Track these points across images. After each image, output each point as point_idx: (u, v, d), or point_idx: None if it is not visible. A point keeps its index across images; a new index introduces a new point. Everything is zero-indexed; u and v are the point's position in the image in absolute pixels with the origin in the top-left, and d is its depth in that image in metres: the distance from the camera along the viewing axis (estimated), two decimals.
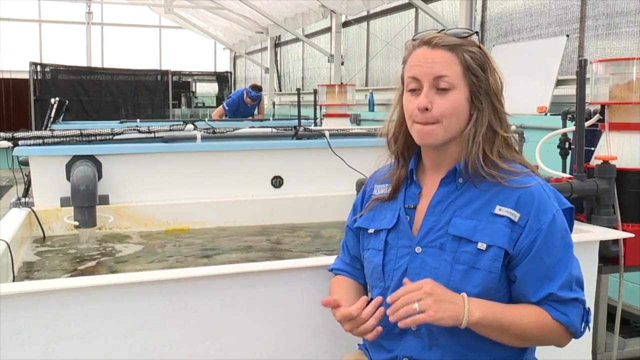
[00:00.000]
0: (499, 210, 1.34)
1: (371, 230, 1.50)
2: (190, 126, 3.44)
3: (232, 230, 3.08)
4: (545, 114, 4.89)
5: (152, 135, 3.26)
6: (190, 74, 13.54)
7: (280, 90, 13.75)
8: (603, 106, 2.58)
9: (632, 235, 2.27)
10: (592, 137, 2.65)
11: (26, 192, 3.06)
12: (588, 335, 2.14)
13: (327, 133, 3.45)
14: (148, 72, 12.78)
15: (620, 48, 5.04)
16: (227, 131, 3.50)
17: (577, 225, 2.32)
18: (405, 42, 1.46)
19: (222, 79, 13.69)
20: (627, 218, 2.40)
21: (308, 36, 11.55)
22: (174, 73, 12.85)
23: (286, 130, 3.64)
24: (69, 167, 2.92)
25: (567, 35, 5.42)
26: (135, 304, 1.65)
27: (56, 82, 11.59)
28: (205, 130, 3.38)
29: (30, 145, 2.97)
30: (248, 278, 1.76)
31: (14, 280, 2.15)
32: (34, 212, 2.85)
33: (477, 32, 1.42)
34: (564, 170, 2.99)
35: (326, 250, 2.77)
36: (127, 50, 16.33)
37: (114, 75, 12.25)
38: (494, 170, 1.37)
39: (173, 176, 3.15)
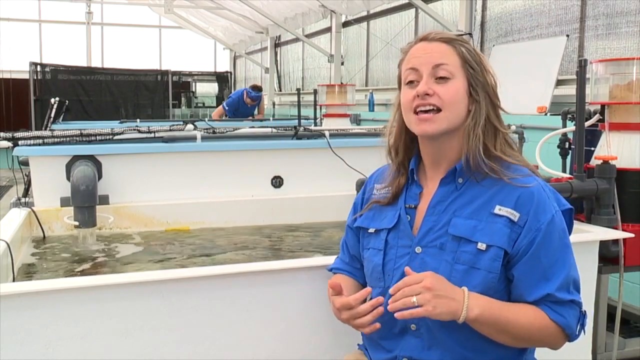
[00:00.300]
0: (499, 210, 1.34)
1: (371, 230, 1.50)
2: (190, 126, 3.43)
3: (232, 230, 3.08)
4: (545, 114, 4.90)
5: (152, 135, 3.26)
6: (190, 74, 13.55)
7: (280, 90, 13.75)
8: (603, 106, 2.58)
9: (632, 235, 2.27)
10: (592, 137, 2.65)
11: (26, 192, 3.06)
12: (588, 335, 2.14)
13: (327, 133, 3.45)
14: (148, 72, 12.78)
15: (620, 48, 5.05)
16: (227, 131, 3.50)
17: (577, 225, 2.32)
18: (402, 47, 1.47)
19: (222, 79, 13.70)
20: (627, 218, 2.40)
21: (308, 36, 11.56)
22: (174, 73, 12.86)
23: (286, 130, 3.64)
24: (69, 167, 2.92)
25: (567, 35, 5.43)
26: (135, 304, 1.65)
27: (56, 82, 11.59)
28: (205, 130, 3.38)
29: (30, 145, 2.97)
30: (248, 278, 1.76)
31: (14, 280, 2.15)
32: (34, 212, 2.84)
33: (470, 34, 1.44)
34: (564, 170, 2.99)
35: (325, 251, 2.77)
36: (127, 50, 16.34)
37: (114, 75, 12.26)
38: (496, 166, 1.37)
39: (173, 176, 3.15)
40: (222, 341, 1.72)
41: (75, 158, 2.94)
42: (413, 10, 8.24)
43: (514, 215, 1.33)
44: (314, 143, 3.43)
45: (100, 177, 2.97)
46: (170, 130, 3.33)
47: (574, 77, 2.66)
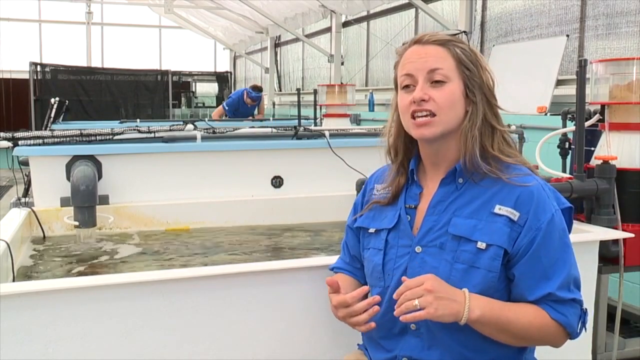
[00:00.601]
0: (499, 209, 1.34)
1: (372, 230, 1.50)
2: (190, 126, 3.43)
3: (232, 230, 3.08)
4: (545, 114, 4.89)
5: (152, 135, 3.26)
6: (190, 74, 13.55)
7: (280, 90, 13.75)
8: (603, 106, 2.58)
9: (632, 235, 2.26)
10: (592, 137, 2.65)
11: (26, 192, 3.06)
12: (588, 335, 2.14)
13: (327, 133, 3.45)
14: (148, 72, 12.78)
15: (620, 48, 5.05)
16: (227, 131, 3.49)
17: (577, 225, 2.32)
18: (396, 49, 1.47)
19: (222, 79, 13.70)
20: (627, 218, 2.40)
21: (308, 36, 11.56)
22: (174, 73, 12.86)
23: (286, 130, 3.64)
24: (69, 167, 2.92)
25: (567, 35, 5.43)
26: (135, 304, 1.65)
27: (56, 82, 11.59)
28: (205, 130, 3.38)
29: (30, 145, 2.97)
30: (248, 278, 1.76)
31: (14, 280, 2.15)
32: (34, 212, 2.84)
33: (465, 32, 1.44)
34: (564, 170, 2.99)
35: (326, 250, 2.77)
36: (127, 50, 16.34)
37: (114, 75, 12.26)
38: (495, 165, 1.37)
39: (173, 176, 3.15)
40: (222, 341, 1.72)
41: (75, 158, 2.94)
42: (413, 10, 8.24)
43: (514, 215, 1.33)
44: (314, 143, 3.43)
45: (100, 177, 2.97)
46: (170, 130, 3.33)
47: (574, 77, 2.66)
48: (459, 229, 1.36)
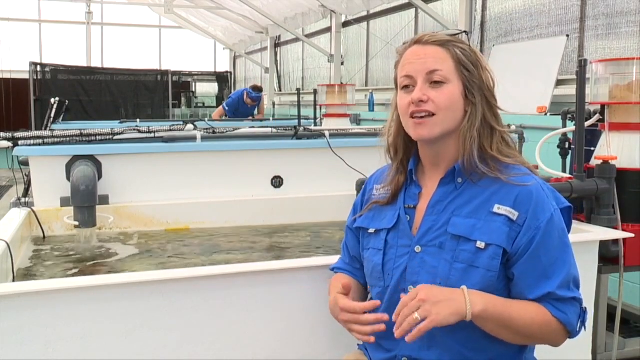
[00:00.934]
0: (498, 209, 1.35)
1: (371, 230, 1.50)
2: (190, 126, 3.43)
3: (232, 230, 3.08)
4: (545, 114, 4.89)
5: (152, 135, 3.26)
6: (190, 74, 13.55)
7: (280, 90, 13.75)
8: (603, 106, 2.58)
9: (632, 235, 2.27)
10: (592, 137, 2.65)
11: (26, 192, 3.06)
12: (588, 335, 2.14)
13: (327, 133, 3.45)
14: (148, 72, 12.78)
15: (620, 48, 5.05)
16: (227, 131, 3.50)
17: (577, 225, 2.32)
18: (397, 48, 1.47)
19: (222, 79, 13.70)
20: (627, 218, 2.40)
21: (308, 36, 11.56)
22: (174, 73, 12.86)
23: (286, 130, 3.64)
24: (69, 167, 2.92)
25: (567, 35, 5.43)
26: (135, 304, 1.65)
27: (56, 82, 11.59)
28: (205, 130, 3.38)
29: (30, 145, 2.97)
30: (248, 278, 1.76)
31: (14, 280, 2.15)
32: (34, 212, 2.84)
33: (465, 32, 1.44)
34: (564, 170, 2.99)
35: (326, 250, 2.77)
36: (127, 50, 16.34)
37: (114, 75, 12.26)
38: (493, 165, 1.37)
39: (173, 176, 3.15)
40: (222, 341, 1.72)
41: (75, 158, 2.94)
42: (413, 10, 8.24)
43: (513, 214, 1.33)
44: (314, 143, 3.43)
45: (100, 177, 2.97)
46: (170, 130, 3.33)
47: (574, 77, 2.66)
48: (458, 228, 1.36)
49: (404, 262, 1.41)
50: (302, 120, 6.07)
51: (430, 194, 1.43)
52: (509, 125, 3.43)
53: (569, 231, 1.39)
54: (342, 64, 10.38)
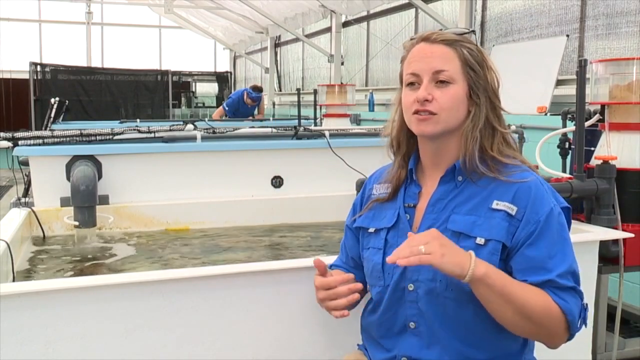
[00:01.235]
0: (497, 204, 1.35)
1: (371, 230, 1.50)
2: (190, 126, 3.44)
3: (232, 230, 3.08)
4: (545, 114, 4.89)
5: (152, 135, 3.26)
6: (190, 74, 13.55)
7: (280, 90, 13.75)
8: (603, 106, 2.58)
9: (632, 235, 2.27)
10: (592, 137, 2.65)
11: (26, 192, 3.06)
12: (588, 335, 2.14)
13: (327, 133, 3.45)
14: (148, 72, 12.78)
15: (620, 48, 5.05)
16: (227, 131, 3.50)
17: (577, 225, 2.32)
18: (404, 42, 1.47)
19: (222, 79, 13.70)
20: (627, 218, 2.40)
21: (308, 36, 11.56)
22: (174, 73, 12.86)
23: (286, 130, 3.64)
24: (69, 167, 2.92)
25: (567, 35, 5.42)
26: (135, 304, 1.65)
27: (56, 82, 11.59)
28: (205, 130, 3.38)
29: (30, 145, 2.97)
30: (248, 278, 1.76)
31: (14, 280, 2.15)
32: (34, 212, 2.84)
33: (473, 31, 1.43)
34: (564, 170, 2.99)
35: (326, 251, 2.77)
36: (127, 50, 16.33)
37: (114, 75, 12.26)
38: (492, 165, 1.38)
39: (173, 176, 3.15)
40: (222, 341, 1.72)
41: (75, 158, 2.94)
42: (413, 10, 8.24)
43: (512, 209, 1.33)
44: (314, 143, 3.43)
45: (100, 177, 2.97)
46: (170, 130, 3.34)
47: (574, 77, 2.66)
48: (458, 225, 1.37)
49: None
50: (302, 120, 6.07)
51: (430, 193, 1.43)
52: (509, 125, 3.43)
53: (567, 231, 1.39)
54: (342, 64, 10.38)
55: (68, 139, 3.06)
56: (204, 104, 13.44)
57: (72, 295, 1.60)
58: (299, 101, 6.36)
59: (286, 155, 3.37)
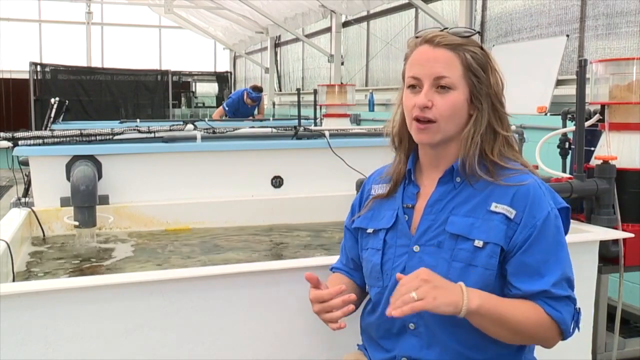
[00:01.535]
0: (495, 207, 1.35)
1: (370, 230, 1.50)
2: (190, 126, 3.44)
3: (232, 230, 3.08)
4: (545, 114, 4.89)
5: (152, 135, 3.26)
6: (190, 74, 13.54)
7: (280, 90, 13.75)
8: (603, 106, 2.58)
9: (632, 235, 2.27)
10: (592, 137, 2.65)
11: (26, 192, 3.06)
12: (588, 335, 2.14)
13: (327, 133, 3.45)
14: (148, 72, 12.78)
15: (620, 48, 5.05)
16: (227, 131, 3.50)
17: (577, 225, 2.32)
18: (408, 39, 1.46)
19: (222, 79, 13.69)
20: (627, 218, 2.40)
21: (308, 36, 11.55)
22: (174, 73, 12.85)
23: (286, 130, 3.64)
24: (69, 167, 2.92)
25: (567, 35, 5.42)
26: (135, 304, 1.65)
27: (56, 82, 11.58)
28: (205, 130, 3.38)
29: (30, 145, 2.97)
30: (248, 278, 1.76)
31: (13, 280, 2.15)
32: (34, 212, 2.85)
33: (478, 32, 1.42)
34: (564, 170, 2.99)
35: (326, 250, 2.77)
36: (127, 50, 16.33)
37: (114, 75, 12.25)
38: (492, 169, 1.38)
39: (173, 176, 3.15)
40: (222, 341, 1.72)
41: (75, 158, 2.94)
42: (413, 10, 8.24)
43: (510, 212, 1.34)
44: (314, 143, 3.43)
45: (100, 177, 2.97)
46: (170, 130, 3.34)
47: (574, 77, 2.66)
48: (456, 227, 1.37)
49: (403, 262, 1.41)
50: (302, 120, 6.07)
51: (429, 194, 1.43)
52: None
53: (566, 232, 1.39)
54: (342, 64, 10.38)
55: (68, 139, 3.06)
56: (204, 104, 13.44)
57: (72, 295, 1.60)
58: (299, 101, 6.36)
59: (286, 155, 3.37)
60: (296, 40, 12.27)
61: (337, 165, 3.27)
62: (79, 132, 3.10)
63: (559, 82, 5.27)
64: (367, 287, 1.54)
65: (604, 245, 2.26)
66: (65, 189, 2.86)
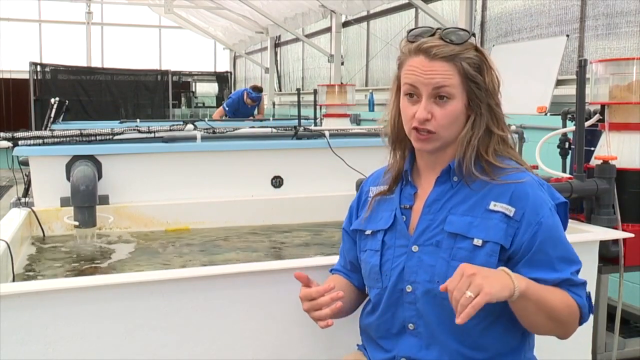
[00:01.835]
0: (494, 206, 1.35)
1: (368, 232, 1.50)
2: (190, 126, 3.44)
3: (232, 230, 3.08)
4: (545, 114, 4.89)
5: (152, 135, 3.26)
6: (190, 74, 13.54)
7: (280, 90, 13.75)
8: (603, 106, 2.58)
9: (632, 235, 2.27)
10: (592, 137, 2.65)
11: (26, 192, 3.06)
12: (588, 335, 2.15)
13: (327, 133, 3.45)
14: (148, 72, 12.78)
15: (620, 48, 5.05)
16: (227, 131, 3.50)
17: (577, 225, 2.32)
18: (401, 41, 1.44)
19: (222, 79, 13.70)
20: (627, 218, 2.40)
21: (308, 36, 11.55)
22: (174, 73, 12.85)
23: (286, 130, 3.64)
24: (69, 167, 2.92)
25: (567, 35, 5.42)
26: (135, 304, 1.65)
27: (56, 82, 11.58)
28: (205, 130, 3.38)
29: (30, 145, 2.97)
30: (248, 278, 1.76)
31: (13, 280, 2.15)
32: (34, 212, 2.85)
33: (474, 34, 1.41)
34: (564, 170, 2.99)
35: (326, 250, 2.77)
36: (127, 50, 16.33)
37: (114, 75, 12.25)
38: (487, 168, 1.38)
39: (173, 176, 3.15)
40: (222, 341, 1.72)
41: (75, 158, 2.94)
42: (413, 10, 8.24)
43: (509, 210, 1.34)
44: (314, 143, 3.43)
45: (100, 177, 2.97)
46: (170, 130, 3.34)
47: (574, 77, 2.66)
48: (454, 226, 1.37)
49: (402, 262, 1.41)
50: (302, 120, 6.07)
51: (426, 194, 1.43)
52: (509, 126, 3.43)
53: (565, 227, 1.40)
54: (342, 64, 10.38)
55: (68, 139, 3.06)
56: (204, 104, 13.44)
57: (72, 295, 1.60)
58: (299, 101, 6.36)
59: (286, 155, 3.37)
60: (296, 40, 12.27)
61: (337, 165, 3.27)
62: (79, 132, 3.10)
63: (559, 82, 5.27)
64: (366, 288, 1.54)
65: (604, 245, 2.26)
66: (65, 189, 2.86)
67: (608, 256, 2.35)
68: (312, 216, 3.25)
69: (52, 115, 6.81)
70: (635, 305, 3.03)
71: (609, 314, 2.51)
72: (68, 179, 2.88)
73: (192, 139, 3.29)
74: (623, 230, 2.34)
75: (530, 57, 5.58)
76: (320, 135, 3.49)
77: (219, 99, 12.86)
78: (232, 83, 13.94)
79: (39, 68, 11.64)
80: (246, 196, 3.25)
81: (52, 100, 7.14)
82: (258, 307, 1.75)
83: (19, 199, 2.96)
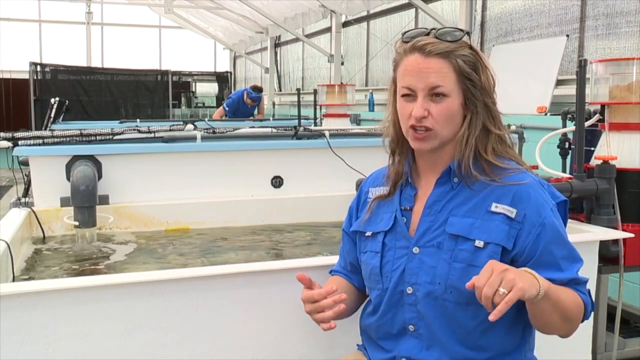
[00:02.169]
0: (495, 207, 1.35)
1: (368, 233, 1.50)
2: (190, 126, 3.43)
3: (232, 230, 3.08)
4: (545, 114, 4.90)
5: (152, 135, 3.26)
6: (190, 74, 13.54)
7: (280, 90, 13.75)
8: (603, 106, 2.58)
9: (632, 235, 2.27)
10: (592, 137, 2.66)
11: (26, 192, 3.06)
12: (588, 335, 2.15)
13: (327, 133, 3.45)
14: (148, 72, 12.78)
15: (620, 48, 5.05)
16: (227, 131, 3.50)
17: (577, 225, 2.32)
18: (396, 42, 1.44)
19: (222, 79, 13.70)
20: (627, 218, 2.40)
21: (308, 36, 11.55)
22: (174, 73, 12.85)
23: (286, 130, 3.64)
24: (69, 167, 2.92)
25: (567, 35, 5.42)
26: (135, 304, 1.65)
27: (56, 82, 11.58)
28: (205, 130, 3.38)
29: (30, 145, 2.97)
30: (248, 278, 1.76)
31: (13, 280, 2.15)
32: (34, 212, 2.84)
33: (468, 33, 1.41)
34: (564, 170, 2.99)
35: (326, 250, 2.77)
36: (127, 50, 16.33)
37: (114, 75, 12.25)
38: (487, 168, 1.38)
39: (173, 176, 3.15)
40: (222, 341, 1.72)
41: (75, 158, 2.94)
42: (413, 10, 8.24)
43: (511, 212, 1.34)
44: (314, 143, 3.43)
45: (100, 177, 2.97)
46: (170, 130, 3.33)
47: (574, 77, 2.66)
48: (456, 227, 1.36)
49: (402, 264, 1.40)
50: (302, 120, 6.07)
51: (426, 195, 1.43)
52: (509, 126, 3.43)
53: (565, 225, 1.41)
54: (342, 64, 10.38)
55: (68, 139, 3.06)
56: (204, 104, 13.44)
57: (72, 295, 1.60)
58: (299, 101, 6.36)
59: (286, 155, 3.37)
60: (296, 40, 12.27)
61: (337, 165, 3.27)
62: (79, 132, 3.10)
63: (559, 82, 5.27)
64: (367, 289, 1.53)
65: (604, 245, 2.26)
66: (65, 189, 2.86)
67: (608, 256, 2.35)
68: (312, 216, 3.25)
69: (52, 115, 6.81)
70: (635, 305, 3.03)
71: (609, 314, 2.51)
72: (68, 179, 2.88)
73: (192, 139, 3.29)
74: (623, 230, 2.34)
75: (530, 57, 5.58)
76: (320, 135, 3.49)
77: (219, 99, 12.86)
78: (232, 83, 13.94)
79: (39, 68, 11.64)
80: (246, 196, 3.25)
81: (52, 100, 7.14)
82: (258, 307, 1.75)
83: (19, 199, 2.96)
